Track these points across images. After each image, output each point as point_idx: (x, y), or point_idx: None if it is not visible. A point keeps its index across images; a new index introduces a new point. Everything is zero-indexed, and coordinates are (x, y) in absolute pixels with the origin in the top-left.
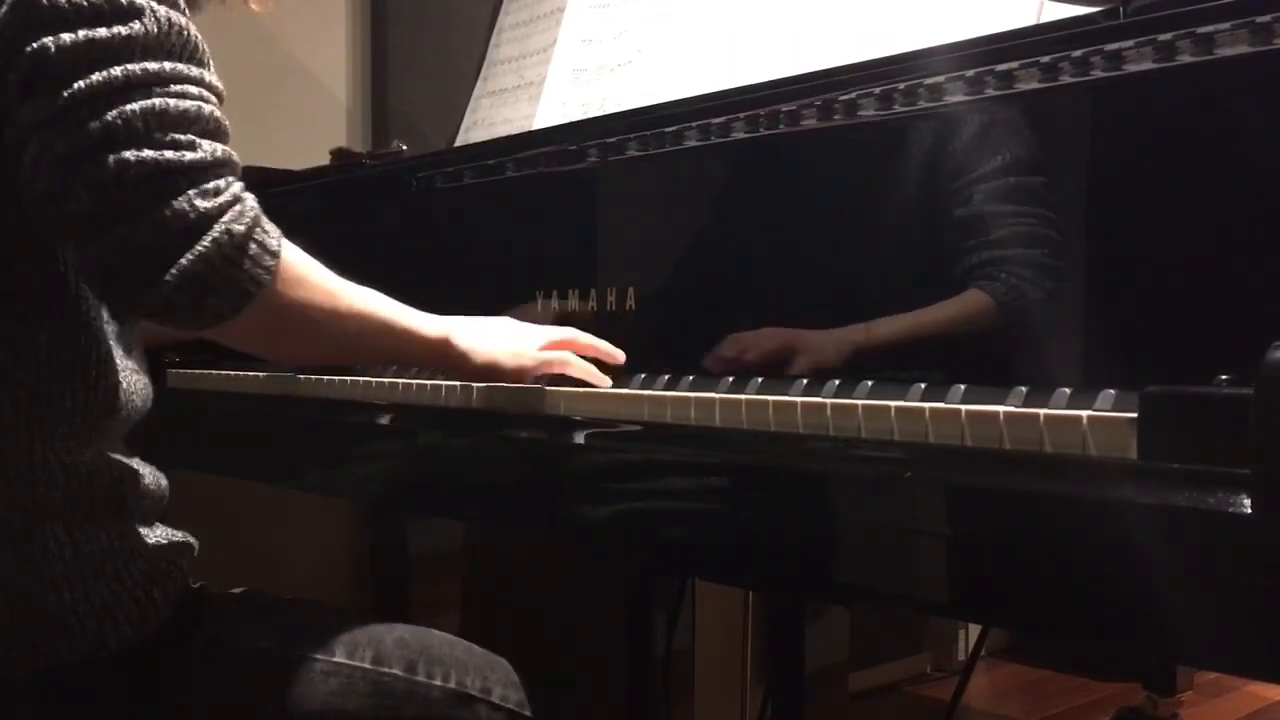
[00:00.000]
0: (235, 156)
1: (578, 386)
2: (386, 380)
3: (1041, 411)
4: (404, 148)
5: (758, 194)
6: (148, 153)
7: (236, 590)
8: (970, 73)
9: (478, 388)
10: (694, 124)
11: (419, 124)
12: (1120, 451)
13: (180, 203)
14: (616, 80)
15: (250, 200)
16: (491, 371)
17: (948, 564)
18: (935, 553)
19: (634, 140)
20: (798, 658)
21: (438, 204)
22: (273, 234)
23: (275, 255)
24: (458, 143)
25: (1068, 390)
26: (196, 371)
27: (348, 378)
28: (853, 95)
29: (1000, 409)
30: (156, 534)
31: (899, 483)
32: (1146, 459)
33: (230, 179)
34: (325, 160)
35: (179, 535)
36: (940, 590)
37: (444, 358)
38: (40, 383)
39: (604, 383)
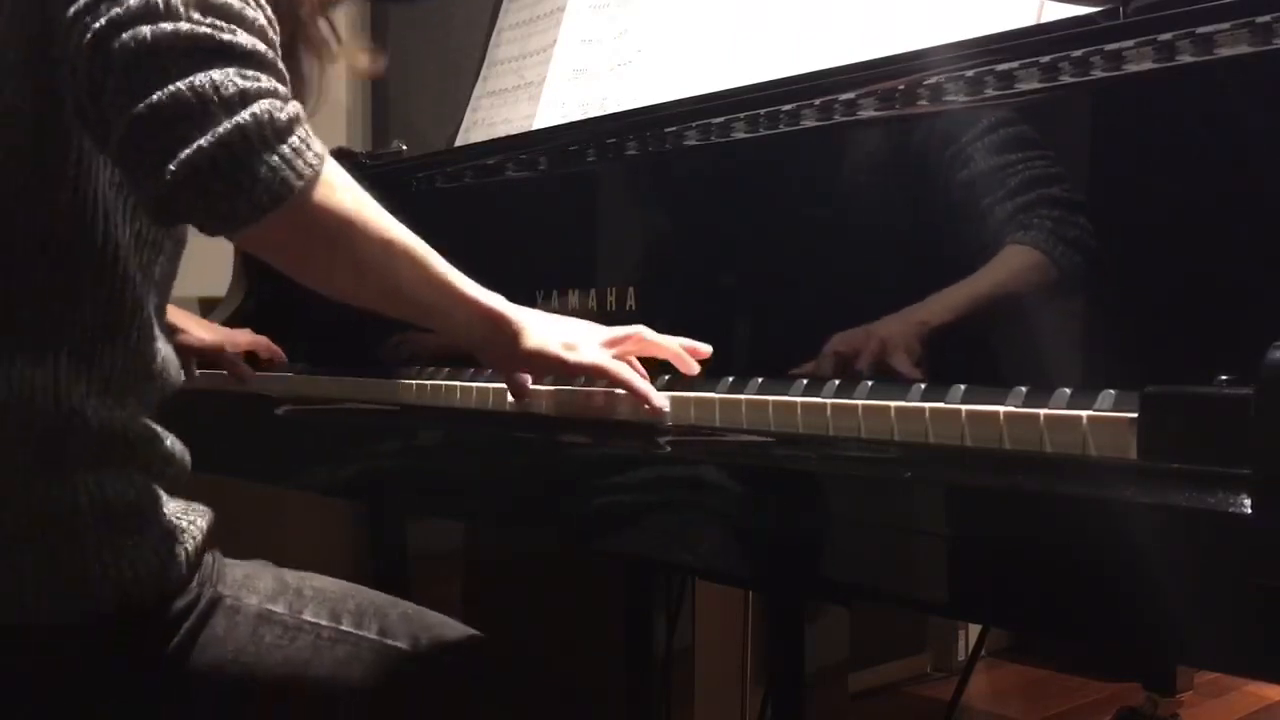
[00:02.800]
0: (283, 70)
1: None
2: (387, 381)
3: (1041, 411)
4: (404, 148)
5: (757, 193)
6: (184, 25)
7: (250, 560)
8: (970, 73)
9: (476, 387)
10: (694, 124)
11: (419, 124)
12: (1120, 451)
13: (219, 74)
14: (616, 80)
15: (297, 104)
16: (539, 358)
17: (948, 564)
18: (935, 553)
19: (634, 140)
20: (798, 658)
21: (438, 204)
22: (317, 139)
23: (320, 156)
24: (458, 143)
25: (1068, 390)
26: (195, 371)
27: (347, 378)
28: (853, 95)
29: (1000, 409)
30: (178, 499)
31: (899, 483)
32: (1146, 459)
33: (275, 80)
34: None
35: (199, 505)
36: (940, 590)
37: (494, 330)
38: (84, 342)
39: (658, 405)
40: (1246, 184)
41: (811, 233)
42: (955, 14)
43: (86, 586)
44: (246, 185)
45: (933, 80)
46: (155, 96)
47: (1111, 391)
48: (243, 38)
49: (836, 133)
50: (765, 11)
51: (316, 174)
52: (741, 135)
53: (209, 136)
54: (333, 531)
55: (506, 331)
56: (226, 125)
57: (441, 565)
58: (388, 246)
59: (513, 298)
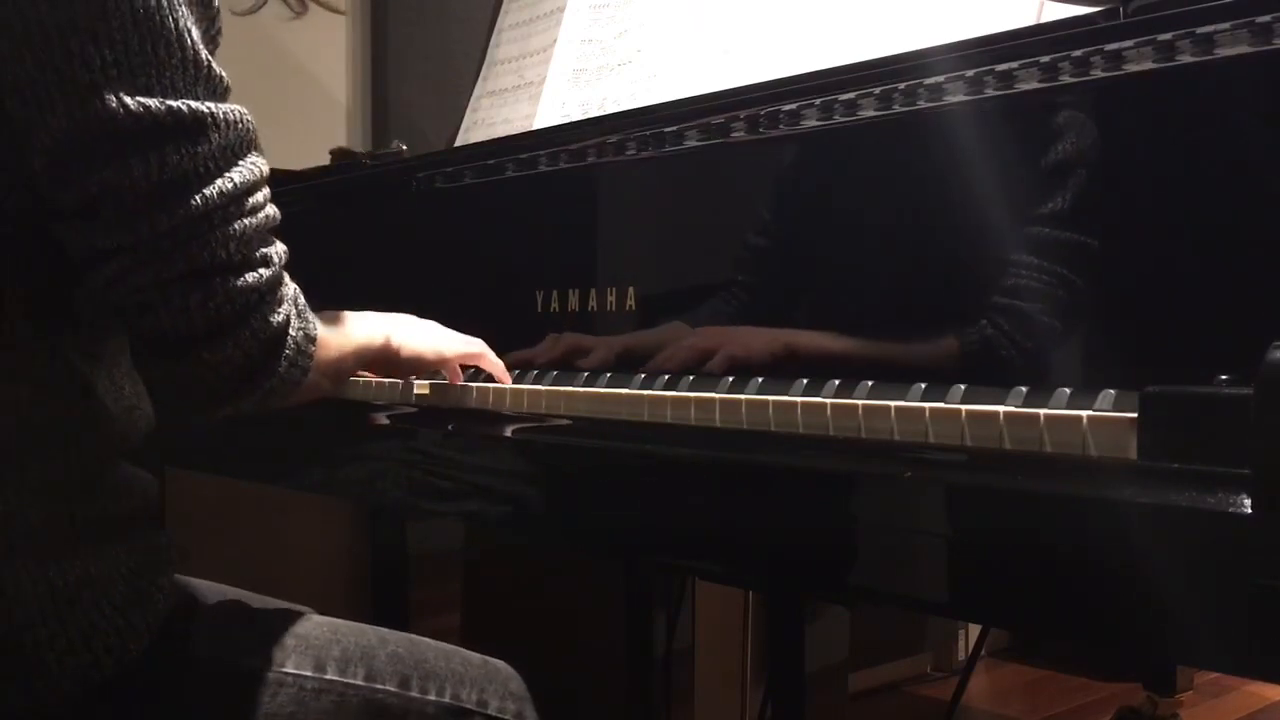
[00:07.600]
0: (281, 246)
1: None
2: (388, 381)
3: (1041, 411)
4: (404, 148)
5: (756, 194)
6: (233, 282)
7: (222, 600)
8: (970, 73)
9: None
10: (694, 124)
11: (419, 124)
12: (1120, 451)
13: (257, 322)
14: (616, 80)
15: (296, 295)
16: (417, 364)
17: (948, 564)
18: (935, 553)
19: (634, 140)
20: (798, 658)
21: (438, 204)
22: (310, 318)
23: (314, 340)
24: (458, 143)
25: (1068, 390)
26: None
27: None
28: (853, 95)
29: (1000, 409)
30: (138, 546)
31: (898, 483)
32: (1146, 459)
33: (286, 277)
34: (325, 160)
35: (161, 539)
36: (940, 590)
37: (379, 355)
38: (30, 452)
39: (507, 380)
40: (1246, 184)
41: (812, 233)
42: (955, 14)
43: (44, 680)
44: (274, 400)
45: (933, 80)
46: (204, 354)
47: (1111, 391)
48: (273, 262)
49: (836, 133)
50: (765, 11)
51: (313, 358)
52: (741, 135)
53: (253, 389)
54: (332, 531)
55: (389, 353)
56: (269, 376)
57: (441, 565)
58: (341, 361)
59: (513, 297)
